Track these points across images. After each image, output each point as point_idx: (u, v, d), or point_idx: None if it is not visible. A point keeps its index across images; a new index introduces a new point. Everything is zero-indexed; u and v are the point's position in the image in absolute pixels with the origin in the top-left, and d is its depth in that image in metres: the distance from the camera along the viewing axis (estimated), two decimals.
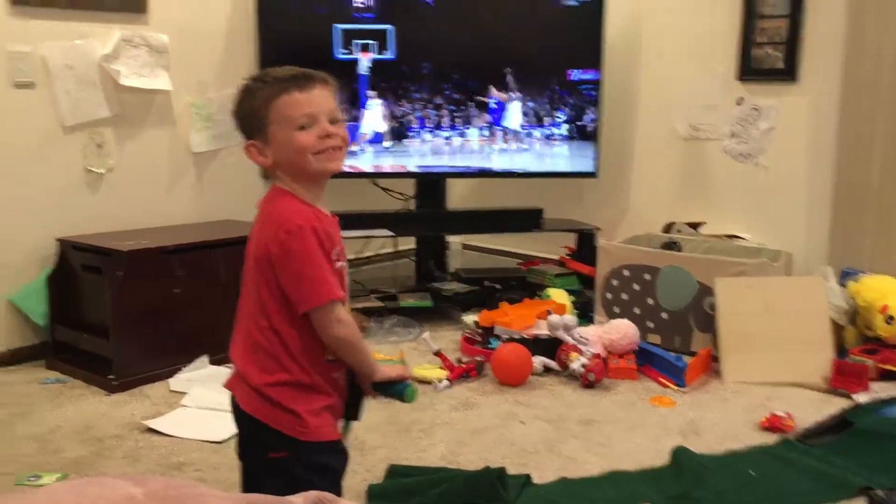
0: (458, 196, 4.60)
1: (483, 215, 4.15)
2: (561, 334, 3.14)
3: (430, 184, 4.07)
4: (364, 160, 3.85)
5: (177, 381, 2.99)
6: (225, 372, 3.08)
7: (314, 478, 1.50)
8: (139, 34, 3.38)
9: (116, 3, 3.32)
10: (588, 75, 3.91)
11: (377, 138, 3.84)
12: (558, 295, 3.64)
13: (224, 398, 2.82)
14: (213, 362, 3.13)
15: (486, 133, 3.91)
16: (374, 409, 2.78)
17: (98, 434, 2.58)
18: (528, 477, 2.26)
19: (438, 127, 3.87)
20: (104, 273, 3.00)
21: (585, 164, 3.98)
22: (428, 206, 4.08)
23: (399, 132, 3.85)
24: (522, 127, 3.93)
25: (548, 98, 3.92)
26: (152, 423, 2.63)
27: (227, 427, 2.59)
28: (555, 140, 3.95)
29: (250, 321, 1.56)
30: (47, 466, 2.36)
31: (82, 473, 2.32)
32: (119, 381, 2.93)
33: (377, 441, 2.54)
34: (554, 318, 3.17)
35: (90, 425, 2.65)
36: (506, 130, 3.93)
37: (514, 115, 3.92)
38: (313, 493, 0.94)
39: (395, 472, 2.29)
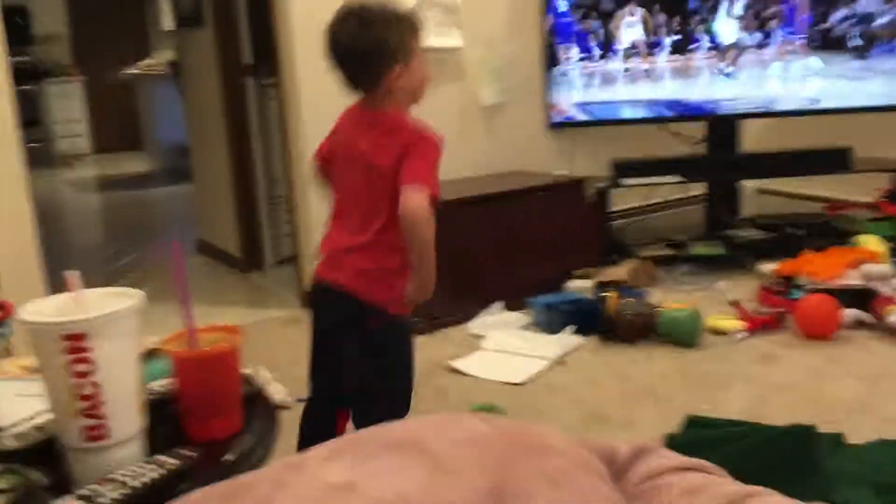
0: (753, 134, 4.33)
1: (782, 157, 3.87)
2: (876, 285, 2.87)
3: (723, 125, 3.86)
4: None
5: (475, 325, 3.17)
6: (518, 317, 3.22)
7: (402, 342, 1.87)
8: None
9: None
10: None
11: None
12: (871, 242, 3.32)
13: (522, 342, 2.96)
14: (507, 308, 3.27)
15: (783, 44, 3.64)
16: (665, 359, 2.76)
17: None
18: (840, 436, 2.12)
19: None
20: None
21: None
22: (720, 149, 3.89)
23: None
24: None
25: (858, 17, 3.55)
26: (456, 364, 2.82)
27: (524, 369, 2.73)
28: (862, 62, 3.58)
29: (364, 221, 1.78)
30: None
31: None
32: (424, 323, 3.17)
33: (672, 391, 2.52)
34: (868, 267, 2.90)
35: None
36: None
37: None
38: (636, 441, 0.96)
39: (693, 422, 2.26)
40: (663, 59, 3.77)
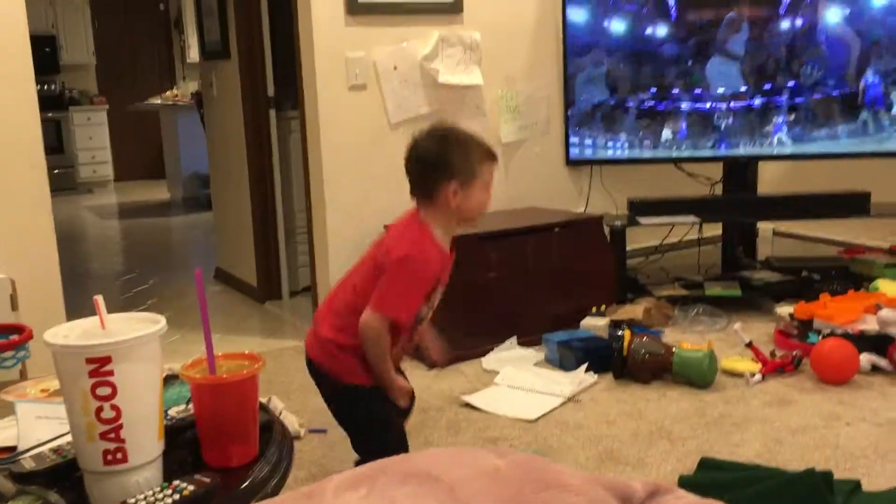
0: (770, 178, 4.34)
1: (800, 200, 3.87)
2: (894, 331, 2.86)
3: (739, 167, 3.88)
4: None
5: (489, 361, 3.16)
6: (532, 354, 3.22)
7: (355, 407, 1.99)
8: (455, 34, 3.61)
9: (436, 5, 3.57)
10: None
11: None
12: (889, 287, 3.30)
13: (535, 379, 2.95)
14: (521, 344, 3.27)
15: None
16: (679, 399, 2.74)
17: (422, 405, 2.81)
18: (857, 483, 2.10)
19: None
20: None
21: None
22: (737, 191, 3.90)
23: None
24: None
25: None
26: (469, 399, 2.82)
27: (538, 406, 2.72)
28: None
29: (344, 295, 1.96)
30: None
31: (410, 440, 2.54)
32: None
33: (686, 432, 2.50)
34: (885, 312, 2.89)
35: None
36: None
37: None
38: (651, 481, 0.96)
39: (707, 464, 2.25)
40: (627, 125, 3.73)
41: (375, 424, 2.01)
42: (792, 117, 3.68)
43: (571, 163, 3.95)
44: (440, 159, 1.87)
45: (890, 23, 3.55)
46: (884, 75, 3.56)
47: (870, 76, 3.57)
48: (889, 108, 3.57)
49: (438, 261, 1.90)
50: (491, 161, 1.91)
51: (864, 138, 3.64)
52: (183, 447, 1.15)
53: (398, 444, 2.03)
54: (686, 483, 2.14)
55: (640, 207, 3.83)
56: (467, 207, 1.89)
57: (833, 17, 3.58)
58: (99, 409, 0.99)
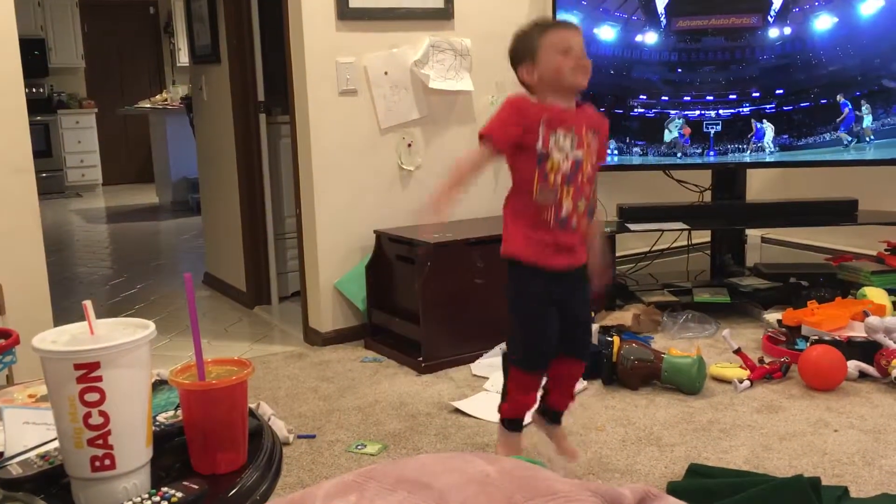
0: (759, 186, 4.36)
1: (788, 207, 3.90)
2: (881, 338, 2.88)
3: (728, 174, 3.90)
4: None
5: (478, 366, 3.16)
6: None
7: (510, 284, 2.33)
8: (446, 39, 3.61)
9: (427, 11, 3.57)
10: None
11: None
12: (876, 294, 3.33)
13: None
14: None
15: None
16: (668, 405, 2.75)
17: (411, 411, 2.81)
18: (845, 489, 2.11)
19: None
20: (415, 263, 3.26)
21: None
22: (725, 198, 3.92)
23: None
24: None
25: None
26: (458, 405, 2.81)
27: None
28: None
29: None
30: (370, 436, 2.63)
31: (399, 446, 2.55)
32: (427, 363, 3.17)
33: (674, 438, 2.51)
34: (873, 319, 2.91)
35: (404, 402, 2.90)
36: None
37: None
38: (640, 487, 0.96)
39: (695, 471, 2.25)
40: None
41: (512, 307, 2.34)
42: (780, 125, 3.70)
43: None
44: (511, 54, 2.14)
45: (870, 39, 3.58)
46: (857, 90, 3.59)
47: (848, 101, 3.60)
48: (861, 122, 3.60)
49: (532, 106, 2.07)
50: (553, 30, 2.08)
51: (850, 146, 3.66)
52: (171, 453, 1.14)
53: (524, 339, 2.42)
54: (675, 489, 2.15)
55: (629, 214, 3.84)
56: (546, 77, 2.05)
57: (820, 26, 3.60)
58: (87, 416, 0.99)
